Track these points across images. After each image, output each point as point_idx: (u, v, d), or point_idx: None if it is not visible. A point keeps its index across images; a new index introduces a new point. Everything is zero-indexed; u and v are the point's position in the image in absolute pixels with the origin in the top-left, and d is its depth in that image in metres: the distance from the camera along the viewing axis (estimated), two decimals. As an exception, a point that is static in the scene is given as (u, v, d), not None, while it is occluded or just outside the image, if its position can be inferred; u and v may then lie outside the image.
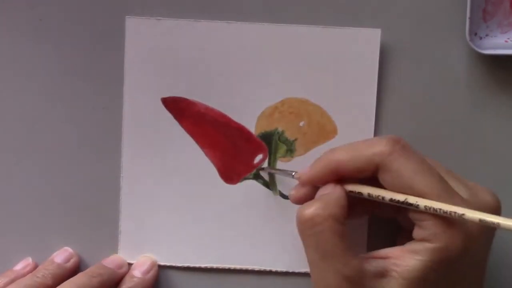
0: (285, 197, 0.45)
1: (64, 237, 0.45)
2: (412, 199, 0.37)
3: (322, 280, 0.38)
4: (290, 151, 0.45)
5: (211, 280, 0.45)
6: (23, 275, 0.44)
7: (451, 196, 0.37)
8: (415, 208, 0.36)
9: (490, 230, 0.38)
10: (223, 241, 0.45)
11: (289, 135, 0.45)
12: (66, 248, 0.45)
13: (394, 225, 0.43)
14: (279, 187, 0.45)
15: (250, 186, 0.45)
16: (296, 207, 0.44)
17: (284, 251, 0.45)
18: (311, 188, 0.41)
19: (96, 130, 0.45)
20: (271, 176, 0.45)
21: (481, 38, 0.44)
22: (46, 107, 0.45)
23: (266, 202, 0.45)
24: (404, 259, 0.37)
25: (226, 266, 0.45)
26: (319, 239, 0.37)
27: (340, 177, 0.39)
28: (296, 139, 0.45)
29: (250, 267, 0.45)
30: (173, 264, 0.45)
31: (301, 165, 0.44)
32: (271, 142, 0.45)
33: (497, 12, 0.44)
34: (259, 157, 0.45)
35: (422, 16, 0.44)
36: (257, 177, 0.45)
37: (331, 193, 0.39)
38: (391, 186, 0.38)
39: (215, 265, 0.45)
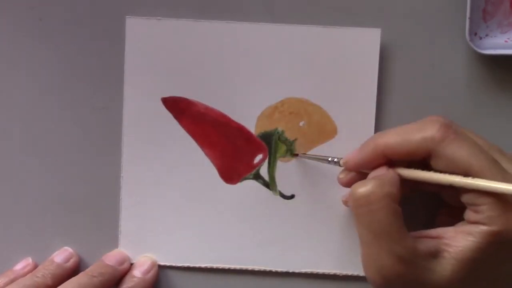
0: (285, 197, 0.45)
1: (64, 237, 0.45)
2: (470, 183, 0.36)
3: (375, 259, 0.37)
4: (290, 151, 0.45)
5: (211, 280, 0.45)
6: (23, 275, 0.44)
7: (506, 179, 0.36)
8: (474, 192, 0.36)
9: None
10: (223, 241, 0.45)
11: (289, 135, 0.45)
12: (66, 248, 0.45)
13: (434, 200, 0.43)
14: (279, 187, 0.45)
15: (250, 186, 0.45)
16: (297, 207, 0.45)
17: (284, 251, 0.45)
18: (360, 173, 0.41)
19: (96, 130, 0.45)
20: (271, 176, 0.45)
21: (481, 38, 0.44)
22: (46, 107, 0.45)
23: (266, 202, 0.45)
24: (457, 239, 0.37)
25: (226, 266, 0.45)
26: (373, 218, 0.37)
27: (388, 161, 0.39)
28: (296, 139, 0.45)
29: (250, 267, 0.45)
30: (173, 264, 0.45)
31: (301, 165, 0.44)
32: (271, 142, 0.45)
33: (497, 12, 0.44)
34: (259, 157, 0.45)
35: (422, 16, 0.44)
36: (257, 177, 0.45)
37: (385, 174, 0.38)
38: (445, 170, 0.37)
39: (215, 265, 0.45)
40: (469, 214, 0.37)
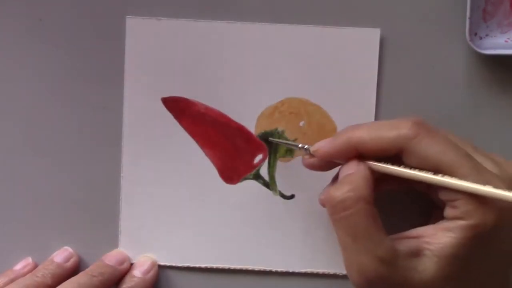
0: (285, 197, 0.45)
1: (64, 237, 0.45)
2: (443, 182, 0.36)
3: (355, 262, 0.37)
4: (290, 151, 0.45)
5: (211, 280, 0.45)
6: (23, 275, 0.44)
7: (480, 173, 0.36)
8: (447, 188, 0.36)
9: None
10: (223, 241, 0.45)
11: (289, 135, 0.45)
12: (66, 248, 0.45)
13: (426, 204, 0.42)
14: (279, 187, 0.45)
15: (250, 186, 0.45)
16: (297, 207, 0.45)
17: (284, 251, 0.45)
18: (330, 163, 0.41)
19: (96, 130, 0.45)
20: (271, 176, 0.45)
21: (481, 38, 0.44)
22: (46, 107, 0.45)
23: (266, 202, 0.45)
24: (437, 237, 0.37)
25: (226, 266, 0.45)
26: (350, 222, 0.37)
27: (359, 154, 0.39)
28: (296, 139, 0.45)
29: (250, 267, 0.45)
30: (173, 264, 0.45)
31: (301, 165, 0.44)
32: (271, 142, 0.45)
33: (497, 12, 0.44)
34: (259, 157, 0.45)
35: (422, 16, 0.44)
36: (257, 177, 0.45)
37: (356, 173, 0.38)
38: (417, 167, 0.37)
39: (215, 265, 0.45)
40: (447, 211, 0.37)
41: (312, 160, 0.41)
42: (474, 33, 0.43)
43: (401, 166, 0.38)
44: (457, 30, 0.44)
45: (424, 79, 0.44)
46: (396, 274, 0.37)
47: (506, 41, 0.44)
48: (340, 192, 0.37)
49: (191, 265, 0.45)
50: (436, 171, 0.37)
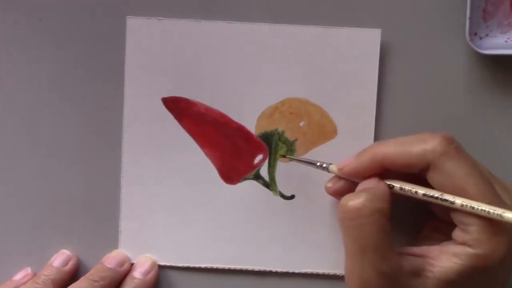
0: (285, 197, 0.45)
1: (64, 238, 0.45)
2: (464, 201, 0.36)
3: (358, 273, 0.37)
4: (290, 152, 0.45)
5: (211, 280, 0.45)
6: (23, 284, 0.43)
7: (500, 205, 0.36)
8: (466, 211, 0.36)
9: None
10: (223, 241, 0.45)
11: (289, 135, 0.45)
12: (63, 251, 0.45)
13: (423, 209, 0.43)
14: (279, 187, 0.45)
15: (250, 186, 0.45)
16: (297, 207, 0.45)
17: (284, 251, 0.45)
18: (350, 182, 0.40)
19: (96, 130, 0.45)
20: (271, 176, 0.45)
21: (481, 38, 0.44)
22: (46, 107, 0.45)
23: (266, 202, 0.45)
24: (442, 260, 0.36)
25: (227, 266, 0.45)
26: (362, 232, 0.37)
27: (384, 172, 0.39)
28: (296, 139, 0.45)
29: (250, 267, 0.45)
30: (174, 264, 0.45)
31: (301, 165, 0.44)
32: (271, 142, 0.45)
33: (497, 12, 0.44)
34: (259, 157, 0.45)
35: (422, 16, 0.44)
36: (257, 177, 0.45)
37: (376, 187, 0.38)
38: (441, 186, 0.37)
39: (215, 265, 0.45)
40: (457, 233, 0.37)
41: (336, 186, 0.41)
42: (474, 33, 0.43)
43: (418, 188, 0.38)
44: (457, 30, 0.44)
45: (424, 79, 0.44)
46: None
47: (506, 41, 0.44)
48: (357, 201, 0.37)
49: (191, 265, 0.45)
50: (459, 192, 0.36)
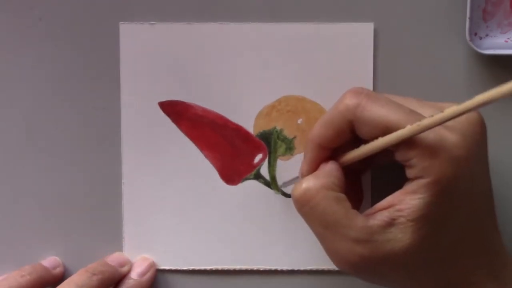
0: (286, 195, 0.45)
1: (65, 241, 0.46)
2: (383, 140, 0.37)
3: (334, 250, 0.38)
4: (290, 149, 0.45)
5: (216, 282, 0.46)
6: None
7: (420, 120, 0.36)
8: (401, 149, 0.36)
9: (480, 152, 0.38)
10: (226, 242, 0.45)
11: (287, 133, 0.45)
12: (54, 258, 0.46)
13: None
14: (280, 186, 0.45)
15: (251, 186, 0.45)
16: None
17: (288, 249, 0.45)
18: None
19: (96, 131, 0.45)
20: (272, 175, 0.45)
21: (481, 38, 0.43)
22: (45, 107, 0.45)
23: (268, 201, 0.45)
24: (405, 202, 0.36)
25: (231, 267, 0.45)
26: (317, 211, 0.37)
27: (332, 152, 0.40)
28: (295, 137, 0.45)
29: (254, 267, 0.45)
30: (178, 267, 0.45)
31: (301, 163, 0.44)
32: (270, 141, 0.45)
33: (497, 12, 0.43)
34: (259, 157, 0.45)
35: (422, 16, 0.43)
36: (257, 177, 0.45)
37: (320, 168, 0.39)
38: (370, 135, 0.37)
39: (220, 267, 0.45)
40: (407, 171, 0.37)
41: None
42: (474, 33, 0.43)
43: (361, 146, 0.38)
44: (457, 30, 0.43)
45: (423, 78, 0.44)
46: (376, 249, 0.37)
47: (506, 41, 0.44)
48: (301, 186, 0.38)
49: (196, 267, 0.45)
50: (387, 131, 0.37)
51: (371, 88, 0.44)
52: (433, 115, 0.35)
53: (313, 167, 0.40)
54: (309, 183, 0.38)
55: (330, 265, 0.45)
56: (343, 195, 0.38)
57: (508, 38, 0.44)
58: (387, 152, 0.37)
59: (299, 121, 0.45)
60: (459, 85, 0.44)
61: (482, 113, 0.38)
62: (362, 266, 0.37)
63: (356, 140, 0.39)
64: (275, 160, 0.45)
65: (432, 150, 0.36)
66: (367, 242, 0.37)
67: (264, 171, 0.45)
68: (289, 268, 0.45)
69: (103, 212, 0.45)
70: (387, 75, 0.44)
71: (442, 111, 0.35)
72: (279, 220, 0.45)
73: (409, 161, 0.36)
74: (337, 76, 0.44)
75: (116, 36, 0.44)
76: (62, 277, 0.45)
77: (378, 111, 0.37)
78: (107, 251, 0.45)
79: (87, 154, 0.45)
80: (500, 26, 0.44)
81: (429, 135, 0.36)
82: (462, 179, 0.36)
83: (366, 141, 0.38)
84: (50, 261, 0.45)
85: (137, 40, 0.44)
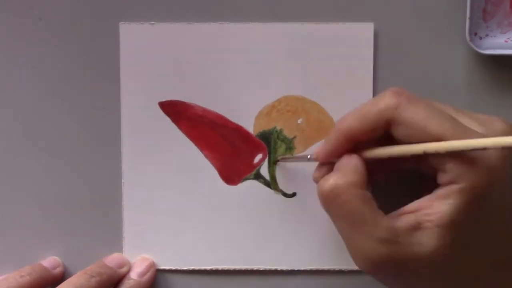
0: (286, 195, 0.45)
1: (65, 241, 0.46)
2: (430, 148, 0.36)
3: (357, 249, 0.37)
4: (290, 149, 0.45)
5: (216, 282, 0.46)
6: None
7: (466, 133, 0.36)
8: (436, 154, 0.36)
9: None
10: (226, 242, 0.45)
11: (287, 133, 0.45)
12: (54, 258, 0.46)
13: (417, 177, 0.42)
14: (280, 185, 0.45)
15: (251, 186, 0.45)
16: (299, 205, 0.45)
17: (288, 249, 0.45)
18: (332, 166, 0.40)
19: (96, 131, 0.45)
20: (272, 175, 0.45)
21: (481, 38, 0.43)
22: (45, 107, 0.45)
23: (268, 201, 0.45)
24: (434, 207, 0.36)
25: (231, 267, 0.45)
26: (344, 209, 0.37)
27: (355, 145, 0.39)
28: (295, 137, 0.45)
29: (255, 267, 0.45)
30: (178, 267, 0.45)
31: (301, 163, 0.44)
32: (270, 141, 0.45)
33: (497, 12, 0.43)
34: (258, 157, 0.45)
35: (422, 16, 0.43)
36: (257, 176, 0.45)
37: (346, 163, 0.38)
38: (406, 137, 0.37)
39: (220, 267, 0.45)
40: (440, 176, 0.37)
41: (321, 173, 0.41)
42: (474, 33, 0.43)
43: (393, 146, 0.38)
44: (457, 30, 0.43)
45: (423, 78, 0.44)
46: (399, 251, 0.36)
47: (506, 41, 0.44)
48: (329, 182, 0.38)
49: (196, 267, 0.45)
50: (424, 137, 0.36)
51: (371, 88, 0.44)
52: (488, 136, 0.35)
53: (332, 155, 0.40)
54: (337, 179, 0.37)
55: (330, 265, 0.45)
56: (369, 194, 0.37)
57: (508, 38, 0.44)
58: (416, 157, 0.37)
59: (299, 121, 0.45)
60: (459, 85, 0.44)
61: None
62: (384, 266, 0.37)
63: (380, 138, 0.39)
64: (275, 160, 0.45)
65: (471, 157, 0.36)
66: (392, 243, 0.36)
67: (264, 171, 0.45)
68: (289, 268, 0.45)
69: (103, 212, 0.45)
70: (387, 75, 0.44)
71: (480, 124, 0.36)
72: (279, 220, 0.45)
73: (444, 165, 0.36)
74: (337, 76, 0.44)
75: (116, 36, 0.44)
76: (62, 278, 0.45)
77: (418, 114, 0.36)
78: (107, 251, 0.45)
79: (87, 154, 0.45)
80: (500, 26, 0.44)
81: None
82: (496, 189, 0.36)
83: (395, 142, 0.38)
84: (50, 261, 0.45)
85: (137, 40, 0.44)
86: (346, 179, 0.37)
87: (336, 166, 0.39)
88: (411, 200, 0.39)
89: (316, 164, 0.42)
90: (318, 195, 0.39)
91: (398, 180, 0.43)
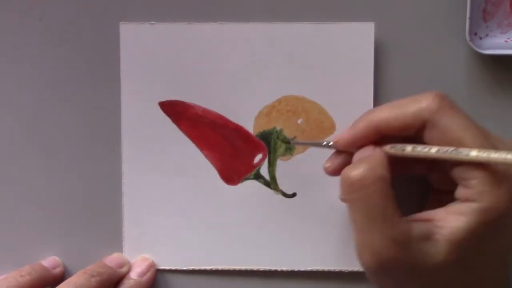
0: (286, 195, 0.45)
1: (65, 241, 0.46)
2: (463, 149, 0.36)
3: (369, 243, 0.37)
4: (290, 149, 0.45)
5: (216, 283, 0.46)
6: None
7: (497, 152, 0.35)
8: (464, 167, 0.36)
9: None
10: (227, 242, 0.45)
11: (287, 133, 0.45)
12: (53, 257, 0.46)
13: (422, 187, 0.43)
14: (280, 186, 0.45)
15: (251, 186, 0.45)
16: (299, 205, 0.45)
17: (288, 250, 0.45)
18: (348, 157, 0.40)
19: (97, 131, 0.45)
20: (272, 175, 0.45)
21: (481, 38, 0.43)
22: (45, 107, 0.45)
23: (268, 201, 0.45)
24: (449, 220, 0.36)
25: (231, 267, 0.45)
26: (368, 201, 0.36)
27: (379, 138, 0.39)
28: (294, 137, 0.45)
29: (255, 267, 0.45)
30: (178, 268, 0.45)
31: (301, 163, 0.44)
32: (270, 141, 0.45)
33: (497, 12, 0.43)
34: (258, 157, 0.45)
35: (422, 16, 0.44)
36: (257, 176, 0.45)
37: (374, 155, 0.38)
38: (438, 141, 0.37)
39: (220, 267, 0.45)
40: (460, 191, 0.36)
41: (334, 165, 0.41)
42: (474, 33, 0.43)
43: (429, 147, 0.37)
44: (457, 30, 0.43)
45: (423, 78, 0.44)
46: (408, 256, 0.36)
47: (506, 41, 0.44)
48: (358, 171, 0.37)
49: (196, 268, 0.45)
50: (457, 145, 0.36)
51: (371, 88, 0.44)
52: None
53: (355, 144, 0.39)
54: (367, 171, 0.37)
55: (331, 266, 0.45)
56: (393, 192, 0.37)
57: (508, 38, 0.44)
58: (437, 164, 0.37)
59: (299, 121, 0.45)
60: (459, 85, 0.44)
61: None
62: (390, 266, 0.37)
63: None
64: (275, 160, 0.45)
65: (497, 178, 0.35)
66: (404, 246, 0.36)
67: (264, 171, 0.45)
68: (289, 268, 0.45)
69: (103, 212, 0.45)
70: (387, 75, 0.44)
71: (507, 147, 0.36)
72: (279, 220, 0.45)
73: (468, 181, 0.36)
74: (337, 76, 0.44)
75: (116, 36, 0.44)
76: (62, 277, 0.45)
77: (458, 123, 0.36)
78: (107, 251, 0.45)
79: (87, 154, 0.45)
80: (500, 26, 0.44)
81: None
82: (511, 214, 0.36)
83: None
84: (50, 261, 0.45)
85: (137, 40, 0.44)
86: (375, 172, 0.37)
87: (359, 157, 0.39)
88: (411, 205, 0.39)
89: (318, 159, 0.42)
90: (341, 183, 0.38)
91: (402, 182, 0.43)
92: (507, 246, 0.38)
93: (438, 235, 0.36)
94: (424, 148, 0.37)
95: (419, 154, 0.37)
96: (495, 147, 0.36)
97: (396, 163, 0.39)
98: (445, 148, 0.36)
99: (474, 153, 0.35)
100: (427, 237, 0.36)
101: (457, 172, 0.36)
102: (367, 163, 0.37)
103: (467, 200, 0.36)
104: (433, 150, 0.37)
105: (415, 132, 0.38)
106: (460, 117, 0.36)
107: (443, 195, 0.39)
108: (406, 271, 0.37)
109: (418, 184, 0.43)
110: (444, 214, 0.37)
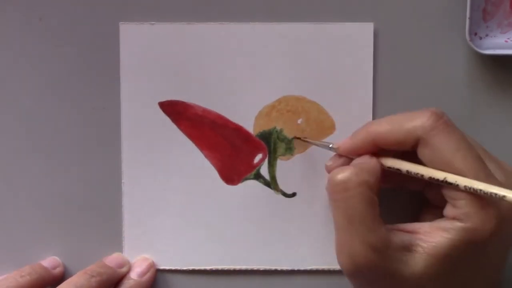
0: (286, 195, 0.45)
1: (65, 242, 0.46)
2: (451, 178, 0.37)
3: (347, 246, 0.38)
4: (290, 149, 0.45)
5: (216, 282, 0.46)
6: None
7: (488, 178, 0.36)
8: (454, 186, 0.36)
9: None
10: (226, 242, 0.45)
11: (287, 133, 0.45)
12: (54, 258, 0.46)
13: (418, 199, 0.43)
14: (280, 185, 0.45)
15: (251, 186, 0.45)
16: (299, 205, 0.45)
17: (288, 249, 0.45)
18: (348, 160, 0.41)
19: (96, 131, 0.45)
20: (272, 175, 0.45)
21: (481, 38, 0.43)
22: (45, 107, 0.45)
23: (268, 201, 0.45)
24: (432, 235, 0.37)
25: (231, 267, 0.45)
26: (349, 204, 0.37)
27: (378, 150, 0.40)
28: (295, 137, 0.45)
29: (255, 267, 0.45)
30: (178, 268, 0.45)
31: (301, 163, 0.45)
32: (270, 141, 0.45)
33: (497, 12, 0.43)
34: (258, 157, 0.45)
35: (422, 16, 0.44)
36: (257, 176, 0.45)
37: (365, 162, 0.39)
38: (430, 161, 0.37)
39: (220, 267, 0.45)
40: (448, 209, 0.37)
41: (335, 164, 0.42)
42: (474, 33, 0.43)
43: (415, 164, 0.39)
44: (457, 30, 0.43)
45: (423, 78, 0.44)
46: (385, 264, 0.37)
47: (506, 41, 0.44)
48: (344, 173, 0.38)
49: (196, 268, 0.45)
50: (447, 167, 0.37)
51: (371, 88, 0.44)
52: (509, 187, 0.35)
53: (353, 152, 0.40)
54: (352, 174, 0.38)
55: (330, 265, 0.45)
56: (376, 199, 0.38)
57: (508, 38, 0.44)
58: (431, 182, 0.38)
59: (299, 121, 0.45)
60: (459, 85, 0.44)
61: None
62: (365, 271, 0.38)
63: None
64: (275, 160, 0.45)
65: (485, 201, 0.36)
66: (381, 253, 0.37)
67: (264, 171, 0.45)
68: (289, 268, 0.45)
69: (103, 212, 0.45)
70: (387, 75, 0.44)
71: (504, 174, 0.37)
72: (279, 220, 0.45)
73: (457, 200, 0.37)
74: (337, 76, 0.44)
75: (116, 36, 0.44)
76: (62, 277, 0.45)
77: (448, 144, 0.37)
78: (107, 251, 0.45)
79: (87, 154, 0.45)
80: (500, 26, 0.44)
81: None
82: (495, 238, 0.37)
83: (417, 159, 0.38)
84: (50, 261, 0.45)
85: (137, 40, 0.44)
86: (360, 176, 0.38)
87: (354, 162, 0.40)
88: (406, 215, 0.40)
89: (318, 159, 0.43)
90: (328, 183, 0.39)
91: (399, 192, 0.44)
92: (493, 266, 0.39)
93: (419, 247, 0.37)
94: (417, 174, 0.38)
95: (414, 170, 0.38)
96: (486, 171, 0.37)
97: (393, 176, 0.40)
98: (436, 178, 0.37)
99: (462, 185, 0.36)
100: (408, 248, 0.37)
101: (447, 191, 0.37)
102: (355, 168, 0.38)
103: (453, 218, 0.37)
104: (425, 177, 0.38)
105: (410, 148, 0.38)
106: (453, 138, 0.37)
107: (438, 209, 0.40)
108: (382, 277, 0.37)
109: (415, 196, 0.43)
110: (429, 228, 0.37)
